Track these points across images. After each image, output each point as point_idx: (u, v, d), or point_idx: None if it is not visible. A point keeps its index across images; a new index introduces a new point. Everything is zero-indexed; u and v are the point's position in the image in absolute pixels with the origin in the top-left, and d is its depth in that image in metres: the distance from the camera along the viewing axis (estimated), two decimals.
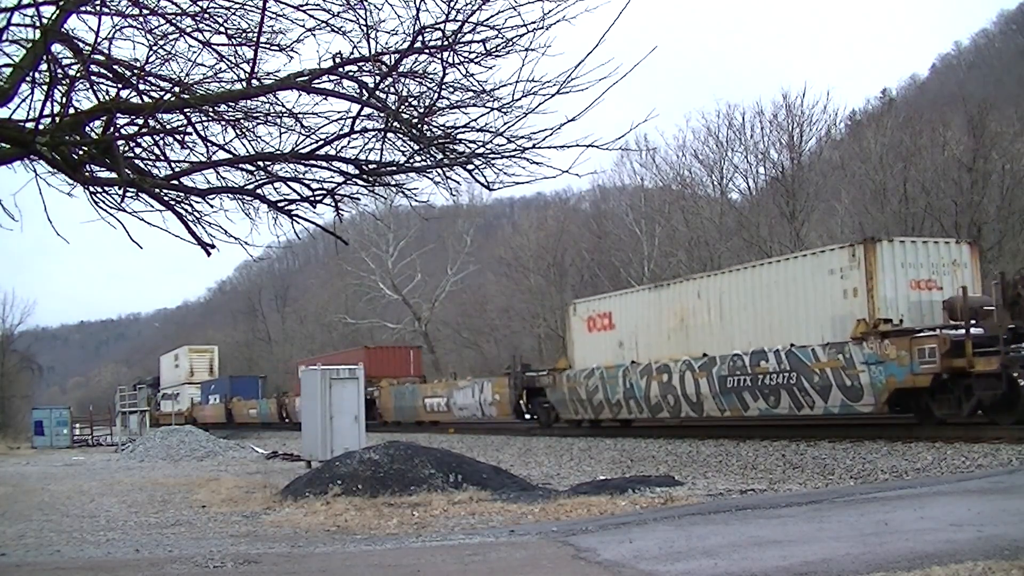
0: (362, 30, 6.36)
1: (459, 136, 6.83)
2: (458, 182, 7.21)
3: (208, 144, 7.07)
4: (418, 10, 6.21)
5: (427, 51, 6.39)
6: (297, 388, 40.31)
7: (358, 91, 6.69)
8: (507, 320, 55.12)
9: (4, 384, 59.65)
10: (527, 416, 26.82)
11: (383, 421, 34.82)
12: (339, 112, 6.88)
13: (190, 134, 6.84)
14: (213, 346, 66.36)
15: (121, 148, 6.68)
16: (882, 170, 37.41)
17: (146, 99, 6.68)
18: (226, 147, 7.15)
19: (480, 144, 6.82)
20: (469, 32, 6.28)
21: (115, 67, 6.84)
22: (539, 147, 6.65)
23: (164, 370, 65.99)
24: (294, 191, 7.29)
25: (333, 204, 7.34)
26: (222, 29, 6.62)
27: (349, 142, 6.95)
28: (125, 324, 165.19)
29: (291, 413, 39.58)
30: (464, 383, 30.75)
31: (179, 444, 28.33)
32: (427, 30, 6.26)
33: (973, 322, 14.68)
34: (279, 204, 7.28)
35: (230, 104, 6.87)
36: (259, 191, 7.30)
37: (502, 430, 27.38)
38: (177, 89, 6.65)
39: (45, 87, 6.11)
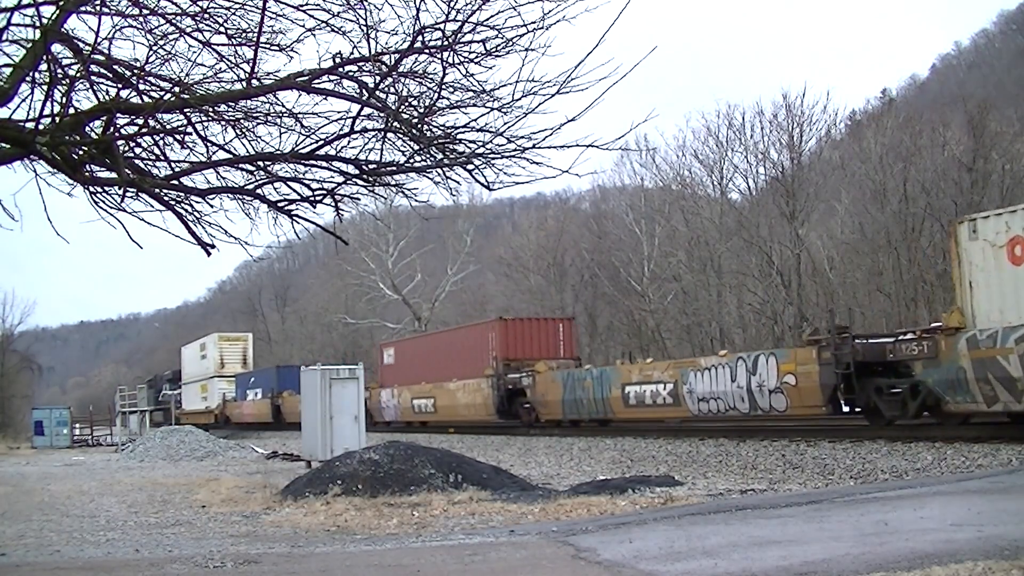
0: (362, 30, 6.36)
1: (459, 136, 6.83)
2: (458, 182, 7.22)
3: (208, 144, 7.08)
4: (418, 10, 6.21)
5: (427, 51, 6.39)
6: (381, 375, 36.69)
7: (358, 91, 6.69)
8: None
9: (4, 384, 59.68)
10: (855, 410, 17.18)
11: (537, 418, 25.65)
12: (339, 112, 6.89)
13: (190, 134, 6.84)
14: (246, 333, 57.73)
15: (121, 148, 6.68)
16: (882, 170, 37.44)
17: (146, 99, 6.68)
18: (226, 147, 7.15)
19: (480, 144, 6.82)
20: (469, 32, 6.28)
21: (115, 67, 6.83)
22: (539, 147, 6.65)
23: (187, 362, 58.52)
24: (294, 191, 7.30)
25: (333, 204, 7.35)
26: (222, 29, 6.62)
27: (349, 142, 6.95)
28: (125, 324, 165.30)
29: (371, 409, 33.47)
30: (713, 360, 19.76)
31: (179, 444, 28.33)
32: (427, 30, 6.26)
33: None
34: (279, 204, 7.28)
35: (230, 104, 6.87)
36: (259, 191, 7.30)
37: (503, 430, 27.30)
38: (177, 89, 6.65)
39: (45, 87, 6.11)
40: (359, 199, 7.55)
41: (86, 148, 6.49)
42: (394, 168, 7.08)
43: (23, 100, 6.17)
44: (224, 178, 7.33)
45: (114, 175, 6.58)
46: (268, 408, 42.67)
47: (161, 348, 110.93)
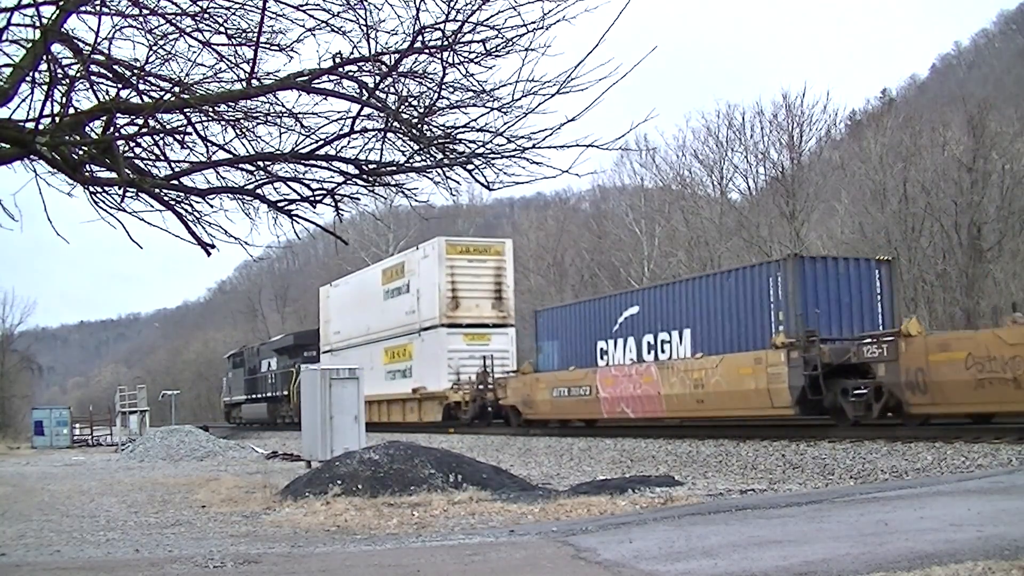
0: (362, 30, 6.36)
1: (459, 136, 6.83)
2: (458, 182, 7.22)
3: (208, 144, 7.08)
4: (418, 10, 6.21)
5: (427, 51, 6.39)
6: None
7: (358, 91, 6.69)
8: None
9: (4, 384, 59.63)
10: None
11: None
12: (339, 112, 6.89)
13: (190, 134, 6.85)
14: (502, 240, 33.76)
15: (121, 148, 6.68)
16: (882, 170, 37.45)
17: (146, 99, 6.69)
18: (226, 147, 7.15)
19: (480, 144, 6.82)
20: (469, 32, 6.28)
21: (115, 67, 6.84)
22: (539, 147, 6.65)
23: (342, 308, 37.62)
24: (294, 191, 7.30)
25: (333, 204, 7.35)
26: (222, 29, 6.63)
27: (349, 142, 6.95)
28: (125, 324, 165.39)
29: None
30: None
31: (179, 444, 28.33)
32: (427, 30, 6.26)
33: None
34: (279, 204, 7.28)
35: (230, 104, 6.87)
36: (259, 191, 7.30)
37: (502, 430, 27.30)
38: (177, 89, 6.65)
39: (45, 87, 6.11)
40: (359, 199, 7.56)
41: (86, 148, 6.49)
42: (394, 168, 7.09)
43: (23, 100, 6.18)
44: (224, 178, 7.34)
45: (114, 175, 6.58)
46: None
47: (161, 348, 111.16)
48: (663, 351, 20.81)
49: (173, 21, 6.56)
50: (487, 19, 6.22)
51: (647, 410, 20.90)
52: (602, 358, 22.85)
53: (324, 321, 40.76)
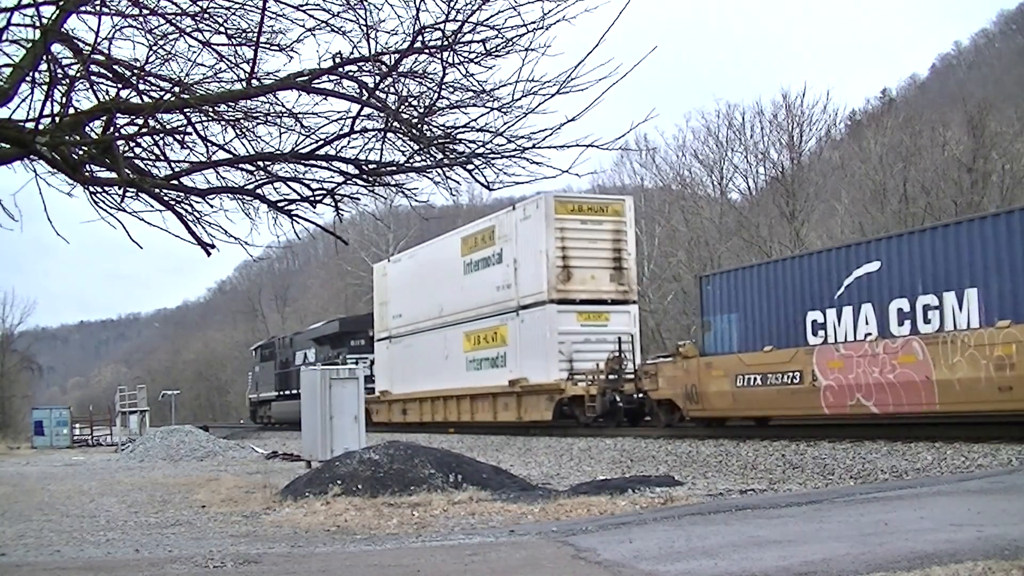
0: (362, 30, 6.37)
1: (459, 136, 6.84)
2: (458, 182, 7.23)
3: (208, 144, 7.09)
4: (418, 10, 6.22)
5: (427, 51, 6.40)
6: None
7: (358, 91, 6.69)
8: None
9: (4, 384, 59.62)
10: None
11: None
12: (339, 112, 6.90)
13: (190, 134, 6.86)
14: (621, 197, 26.95)
15: (121, 148, 6.69)
16: (882, 170, 37.47)
17: (146, 99, 6.70)
18: (226, 147, 7.17)
19: (480, 144, 6.83)
20: (469, 32, 6.29)
21: (115, 67, 6.85)
22: (539, 147, 6.66)
23: (403, 287, 32.04)
24: (294, 191, 7.31)
25: (333, 204, 7.36)
26: (222, 29, 6.64)
27: (349, 142, 6.96)
28: (125, 324, 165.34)
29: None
30: None
31: (179, 444, 28.32)
32: (427, 30, 6.27)
33: None
34: (279, 204, 7.29)
35: (230, 104, 6.88)
36: (259, 191, 7.31)
37: (502, 430, 27.29)
38: (177, 89, 6.66)
39: (45, 87, 6.12)
40: (359, 199, 7.57)
41: (86, 148, 6.50)
42: (394, 168, 7.09)
43: (23, 100, 6.19)
44: (224, 178, 7.35)
45: (114, 175, 6.58)
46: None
47: (161, 348, 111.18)
48: (928, 321, 15.27)
49: (173, 21, 6.57)
50: (487, 19, 6.23)
51: (905, 402, 15.26)
52: (816, 333, 17.11)
53: (379, 303, 33.92)
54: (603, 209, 24.55)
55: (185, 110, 6.61)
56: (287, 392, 41.06)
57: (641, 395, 21.46)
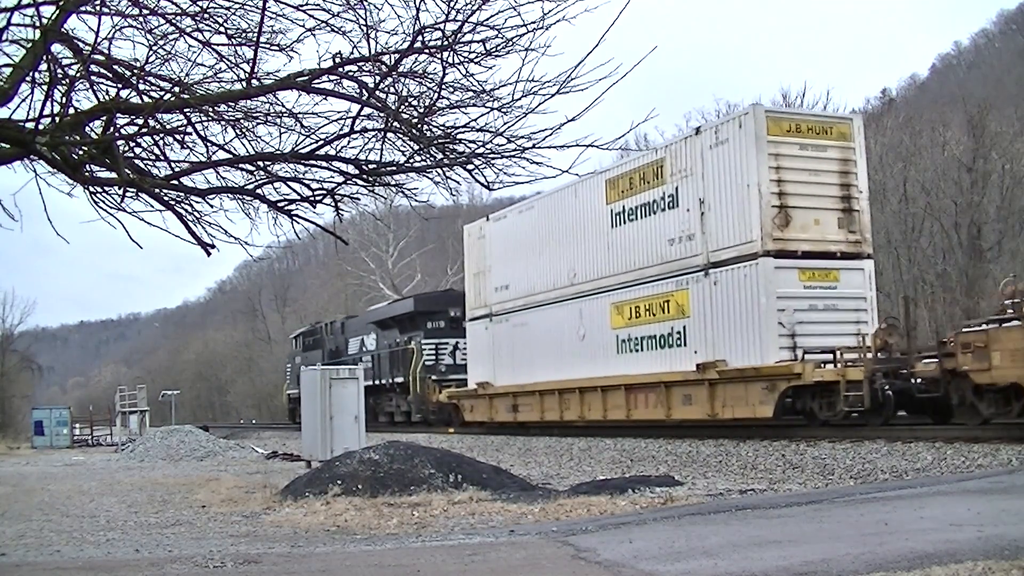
0: (362, 30, 6.38)
1: (459, 136, 6.85)
2: (458, 182, 7.24)
3: (208, 144, 7.10)
4: (418, 10, 6.23)
5: (427, 51, 6.40)
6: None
7: (358, 91, 6.70)
8: None
9: (4, 384, 59.64)
10: None
11: None
12: (339, 112, 6.91)
13: (190, 134, 6.86)
14: (847, 115, 21.61)
15: (121, 148, 6.69)
16: (882, 170, 37.44)
17: (146, 99, 6.70)
18: (226, 147, 7.17)
19: (480, 144, 6.83)
20: (469, 32, 6.29)
21: (115, 67, 6.85)
22: (539, 147, 6.66)
23: (514, 245, 25.75)
24: (294, 191, 7.31)
25: (333, 204, 7.36)
26: (222, 29, 6.65)
27: (349, 142, 6.97)
28: (125, 324, 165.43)
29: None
30: None
31: (179, 444, 28.32)
32: (427, 30, 6.27)
33: None
34: (279, 204, 7.29)
35: (230, 104, 6.88)
36: (259, 191, 7.31)
37: (502, 430, 27.29)
38: (177, 89, 6.66)
39: (45, 87, 6.12)
40: (359, 199, 7.58)
41: (86, 148, 6.50)
42: (394, 168, 7.10)
43: (23, 100, 6.20)
44: (224, 178, 7.36)
45: (114, 175, 6.59)
46: None
47: (161, 348, 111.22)
48: None
49: (173, 21, 6.57)
50: (487, 19, 6.24)
51: None
52: None
53: (474, 273, 27.87)
54: (826, 130, 18.60)
55: (185, 110, 6.62)
56: None
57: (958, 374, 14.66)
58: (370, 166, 7.06)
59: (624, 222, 21.32)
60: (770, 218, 17.59)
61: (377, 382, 33.00)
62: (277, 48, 6.71)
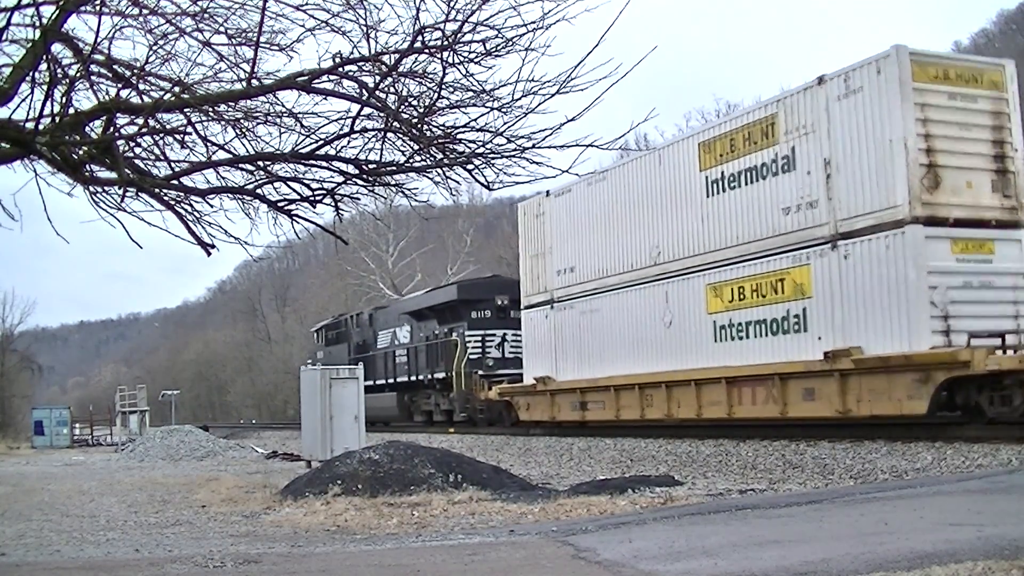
0: (362, 30, 6.39)
1: (459, 136, 6.85)
2: (458, 182, 7.25)
3: (208, 144, 7.11)
4: (418, 10, 6.23)
5: (427, 51, 6.41)
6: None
7: (358, 91, 6.70)
8: None
9: (4, 384, 59.67)
10: None
11: None
12: (339, 112, 6.92)
13: (190, 134, 6.87)
14: (999, 61, 16.74)
15: (121, 148, 6.70)
16: None
17: (146, 99, 6.70)
18: (226, 147, 7.18)
19: (480, 144, 6.84)
20: (469, 32, 6.30)
21: (115, 67, 6.86)
22: (539, 147, 6.67)
23: (601, 223, 21.84)
24: (294, 191, 7.32)
25: (333, 204, 7.37)
26: (222, 29, 6.66)
27: (349, 142, 6.98)
28: (125, 324, 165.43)
29: None
30: None
31: (179, 444, 28.33)
32: (427, 30, 6.28)
33: None
34: (279, 204, 7.30)
35: (230, 104, 6.89)
36: (259, 191, 7.32)
37: (502, 430, 27.28)
38: (177, 89, 6.67)
39: (45, 87, 6.13)
40: (359, 199, 7.59)
41: (86, 148, 6.51)
42: (394, 168, 7.10)
43: (23, 100, 6.20)
44: (224, 178, 7.36)
45: (114, 175, 6.59)
46: None
47: (161, 348, 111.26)
48: None
49: (173, 21, 6.58)
50: (487, 19, 6.25)
51: None
52: None
53: (531, 255, 24.97)
54: (976, 79, 15.87)
55: (185, 110, 6.63)
56: (370, 382, 29.26)
57: None
58: (370, 166, 7.07)
59: (723, 190, 18.47)
60: (918, 179, 14.89)
61: (413, 378, 30.79)
62: (277, 48, 6.72)
